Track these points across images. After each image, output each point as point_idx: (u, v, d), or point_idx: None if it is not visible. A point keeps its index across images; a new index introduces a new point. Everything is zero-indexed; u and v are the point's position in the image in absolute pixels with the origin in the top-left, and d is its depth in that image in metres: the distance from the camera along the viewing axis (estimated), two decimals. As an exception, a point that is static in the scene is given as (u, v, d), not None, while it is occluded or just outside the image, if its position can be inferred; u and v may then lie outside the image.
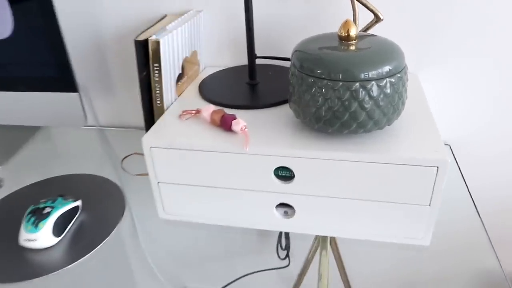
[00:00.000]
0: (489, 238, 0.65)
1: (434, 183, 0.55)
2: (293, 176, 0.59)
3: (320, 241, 0.65)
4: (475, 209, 0.71)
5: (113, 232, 0.69)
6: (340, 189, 0.58)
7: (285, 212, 0.63)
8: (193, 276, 0.63)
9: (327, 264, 0.63)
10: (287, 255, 0.65)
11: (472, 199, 0.73)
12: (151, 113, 0.72)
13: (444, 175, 0.54)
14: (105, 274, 0.63)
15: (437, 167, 0.54)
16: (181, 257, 0.66)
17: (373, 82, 0.51)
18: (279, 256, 0.65)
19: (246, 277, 0.61)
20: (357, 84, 0.51)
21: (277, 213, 0.63)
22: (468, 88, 0.83)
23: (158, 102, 0.69)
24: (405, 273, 0.60)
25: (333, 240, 0.72)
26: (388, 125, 0.57)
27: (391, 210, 0.58)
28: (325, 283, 0.62)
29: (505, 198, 0.96)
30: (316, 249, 0.72)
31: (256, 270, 0.62)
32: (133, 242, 0.68)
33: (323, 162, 0.56)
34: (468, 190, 0.75)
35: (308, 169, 0.57)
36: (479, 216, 0.69)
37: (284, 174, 0.59)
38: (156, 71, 0.66)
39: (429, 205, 0.57)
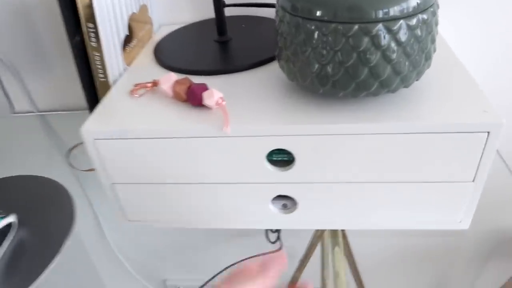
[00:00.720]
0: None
1: (482, 153, 0.41)
2: (293, 160, 0.43)
3: (330, 236, 0.52)
4: None
5: (61, 251, 0.53)
6: (356, 171, 0.43)
7: (284, 205, 0.48)
8: (173, 269, 0.51)
9: (343, 262, 0.50)
10: (278, 238, 0.54)
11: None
12: (93, 91, 0.54)
13: (495, 142, 0.40)
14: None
15: (488, 132, 0.40)
16: (158, 250, 0.55)
17: (401, 21, 0.36)
18: (269, 240, 0.54)
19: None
20: (380, 25, 0.36)
21: (274, 208, 0.48)
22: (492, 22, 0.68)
23: (101, 75, 0.52)
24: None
25: (343, 233, 0.59)
26: (417, 80, 0.42)
27: (423, 192, 0.44)
28: (343, 281, 0.50)
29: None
30: (321, 234, 0.60)
31: (244, 258, 0.49)
32: (101, 245, 0.55)
33: (334, 139, 0.41)
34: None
35: (312, 149, 0.42)
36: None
37: (281, 158, 0.44)
38: (92, 34, 0.49)
39: (473, 180, 0.43)
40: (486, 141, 0.40)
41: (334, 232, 0.57)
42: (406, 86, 0.41)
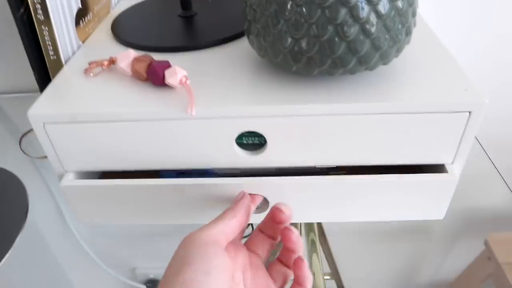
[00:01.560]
0: None
1: (463, 134, 0.39)
2: (264, 143, 0.40)
3: (308, 236, 0.49)
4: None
5: (16, 242, 0.49)
6: (332, 155, 0.41)
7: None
8: (143, 257, 0.57)
9: (321, 265, 0.48)
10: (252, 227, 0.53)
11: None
12: (44, 70, 0.49)
13: (477, 122, 0.38)
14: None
15: (469, 112, 0.37)
16: (125, 238, 0.58)
17: (381, -9, 0.33)
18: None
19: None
20: (358, -5, 0.33)
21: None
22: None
23: (52, 53, 0.47)
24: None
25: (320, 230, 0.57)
26: (396, 57, 0.39)
27: (401, 180, 0.41)
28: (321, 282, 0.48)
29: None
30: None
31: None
32: (64, 235, 0.52)
33: (308, 120, 0.38)
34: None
35: (285, 131, 0.39)
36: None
37: (251, 141, 0.41)
38: (39, 6, 0.44)
39: (452, 163, 0.42)
40: (468, 121, 0.38)
41: (309, 226, 0.55)
42: (385, 63, 0.38)
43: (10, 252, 0.50)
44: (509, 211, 0.73)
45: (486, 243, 0.78)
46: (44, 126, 0.40)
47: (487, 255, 0.79)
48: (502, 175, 0.70)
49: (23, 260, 0.52)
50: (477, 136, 0.73)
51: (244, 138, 0.41)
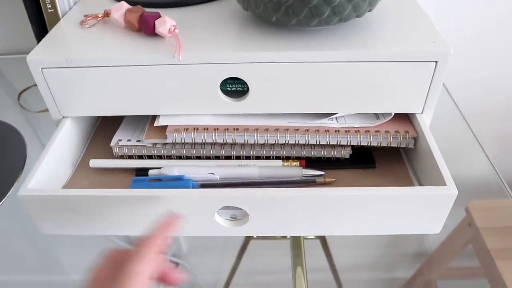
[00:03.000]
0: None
1: (431, 82, 0.42)
2: (247, 91, 0.43)
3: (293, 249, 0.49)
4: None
5: (10, 191, 0.52)
6: (308, 102, 0.44)
7: (233, 216, 0.42)
8: None
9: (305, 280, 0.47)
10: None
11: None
12: (42, 24, 0.52)
13: (443, 72, 0.41)
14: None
15: (436, 61, 0.41)
16: None
17: None
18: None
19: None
20: None
21: (222, 219, 0.41)
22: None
23: (49, 6, 0.50)
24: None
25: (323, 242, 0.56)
26: (369, 11, 0.42)
27: (397, 193, 0.38)
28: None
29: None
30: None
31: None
32: None
33: (286, 67, 0.41)
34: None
35: (265, 78, 0.42)
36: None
37: (235, 88, 0.44)
38: (38, -41, 0.46)
39: (422, 112, 0.45)
40: (434, 70, 0.41)
41: (295, 243, 0.50)
42: (358, 16, 0.41)
43: (5, 199, 0.52)
44: (488, 179, 0.75)
45: (467, 210, 0.82)
46: (42, 71, 0.43)
47: (468, 222, 0.83)
48: (481, 143, 0.72)
49: (17, 209, 0.54)
50: (458, 104, 0.75)
51: (228, 85, 0.44)
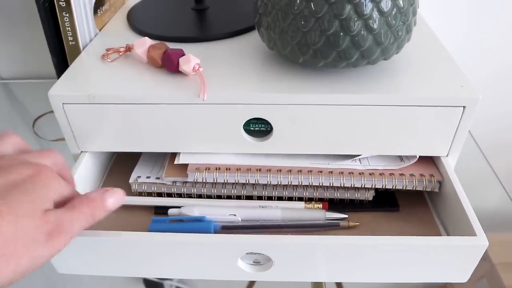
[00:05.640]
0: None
1: (458, 127, 0.42)
2: (270, 131, 0.43)
3: None
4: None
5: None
6: (333, 143, 0.43)
7: (256, 261, 0.40)
8: None
9: None
10: None
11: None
12: (62, 55, 0.52)
13: (471, 117, 0.41)
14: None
15: (464, 106, 0.40)
16: None
17: (384, -11, 0.36)
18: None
19: None
20: (362, -8, 0.35)
21: (245, 264, 0.40)
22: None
23: (71, 38, 0.49)
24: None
25: None
26: (397, 53, 0.41)
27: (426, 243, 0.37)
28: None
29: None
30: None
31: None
32: None
33: (311, 109, 0.40)
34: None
35: (290, 119, 0.41)
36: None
37: (258, 128, 0.43)
38: (62, -7, 0.46)
39: (447, 155, 0.44)
40: (462, 115, 0.41)
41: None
42: (386, 59, 0.41)
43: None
44: (505, 212, 0.74)
45: (481, 244, 0.80)
46: (63, 106, 0.42)
47: (482, 256, 0.81)
48: (498, 176, 0.72)
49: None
50: (475, 137, 0.75)
51: (251, 125, 0.43)
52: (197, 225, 0.40)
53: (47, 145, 0.63)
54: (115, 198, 0.33)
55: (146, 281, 0.96)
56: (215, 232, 0.40)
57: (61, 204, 0.30)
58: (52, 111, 0.43)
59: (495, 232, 0.79)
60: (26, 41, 0.75)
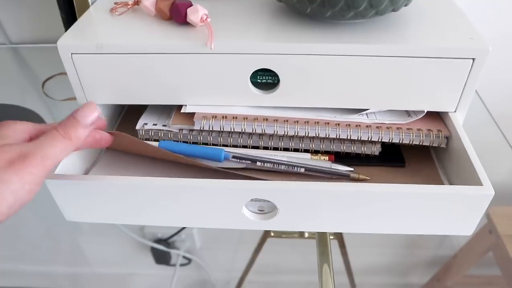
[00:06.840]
0: None
1: (466, 80, 0.41)
2: (277, 83, 0.43)
3: (319, 246, 0.48)
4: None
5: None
6: (341, 98, 0.43)
7: (260, 209, 0.41)
8: None
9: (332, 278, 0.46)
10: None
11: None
12: (71, 11, 0.52)
13: (480, 70, 0.40)
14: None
15: (473, 58, 0.40)
16: None
17: None
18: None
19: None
20: None
21: (249, 212, 0.40)
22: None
23: (79, -7, 0.49)
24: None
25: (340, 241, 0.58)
26: (406, 5, 0.41)
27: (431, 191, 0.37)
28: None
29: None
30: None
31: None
32: None
33: (319, 59, 0.40)
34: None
35: (297, 70, 0.41)
36: None
37: (265, 80, 0.43)
38: None
39: (455, 110, 0.44)
40: (471, 68, 0.40)
41: (322, 241, 0.49)
42: (395, 9, 0.40)
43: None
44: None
45: (488, 217, 0.80)
46: (71, 56, 0.42)
47: (489, 228, 0.81)
48: (507, 148, 0.71)
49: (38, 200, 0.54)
50: (487, 106, 0.74)
51: (258, 77, 0.43)
52: (207, 150, 0.40)
53: (56, 105, 0.64)
54: (85, 111, 0.36)
55: (154, 250, 0.97)
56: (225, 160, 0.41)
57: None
58: (61, 73, 0.43)
59: (501, 205, 0.79)
60: (35, 5, 0.76)
